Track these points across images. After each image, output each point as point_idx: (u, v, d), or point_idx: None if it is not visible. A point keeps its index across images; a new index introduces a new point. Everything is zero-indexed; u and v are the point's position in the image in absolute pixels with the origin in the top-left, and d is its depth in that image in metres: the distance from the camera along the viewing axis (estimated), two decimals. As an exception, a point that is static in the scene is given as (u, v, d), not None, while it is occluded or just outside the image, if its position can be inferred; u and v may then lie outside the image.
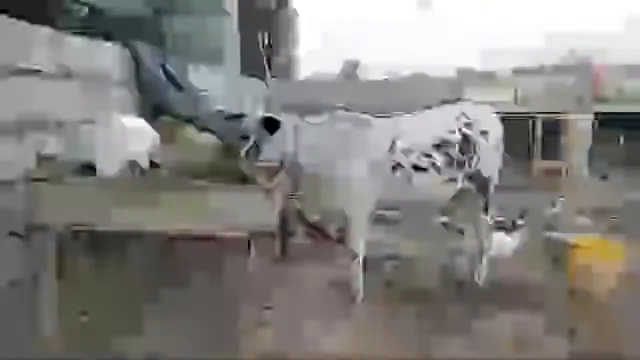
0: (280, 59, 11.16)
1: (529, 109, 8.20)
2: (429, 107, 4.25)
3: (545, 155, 8.47)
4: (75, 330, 2.94)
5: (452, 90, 9.86)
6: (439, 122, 3.97)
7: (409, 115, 4.11)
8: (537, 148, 8.36)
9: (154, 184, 2.91)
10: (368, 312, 3.77)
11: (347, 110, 4.13)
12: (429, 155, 3.83)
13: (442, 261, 4.77)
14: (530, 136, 8.24)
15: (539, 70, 10.88)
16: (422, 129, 3.92)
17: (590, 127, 8.79)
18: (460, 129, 3.94)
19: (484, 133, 4.03)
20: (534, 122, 8.13)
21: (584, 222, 6.28)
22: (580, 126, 8.72)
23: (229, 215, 2.74)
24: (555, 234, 5.51)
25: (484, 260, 4.29)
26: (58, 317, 2.89)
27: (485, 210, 4.23)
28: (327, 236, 4.59)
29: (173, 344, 3.00)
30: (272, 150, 3.73)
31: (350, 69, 24.63)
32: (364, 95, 9.96)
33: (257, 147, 3.69)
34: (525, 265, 4.77)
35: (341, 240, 4.42)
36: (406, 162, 3.80)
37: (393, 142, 3.82)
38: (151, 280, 3.41)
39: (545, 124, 8.43)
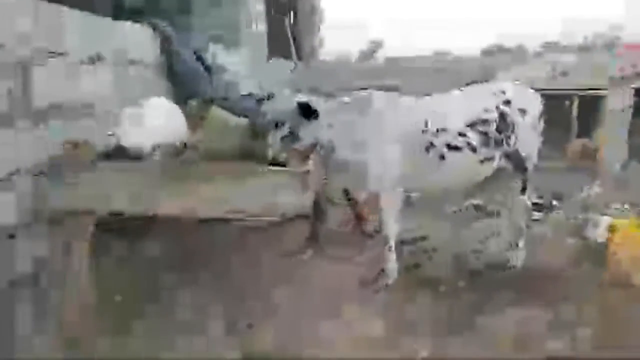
0: (305, 40, 11.01)
1: (564, 86, 7.88)
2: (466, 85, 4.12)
3: (581, 134, 8.17)
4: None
5: (483, 68, 9.58)
6: (475, 101, 3.84)
7: (444, 94, 3.98)
8: (574, 126, 8.05)
9: (185, 169, 2.86)
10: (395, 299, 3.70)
11: (378, 90, 4.03)
12: (463, 135, 3.71)
13: (472, 246, 4.65)
14: (567, 114, 7.96)
15: (573, 48, 10.47)
16: (458, 107, 3.79)
17: (629, 105, 8.43)
18: (497, 107, 3.80)
19: (522, 111, 3.88)
20: (570, 100, 7.82)
21: (617, 205, 6.03)
22: (616, 104, 8.37)
23: (262, 199, 2.68)
24: (594, 216, 5.34)
25: (521, 244, 4.17)
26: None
27: (523, 190, 4.10)
28: (363, 218, 4.50)
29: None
30: (309, 137, 3.64)
31: (372, 50, 24.21)
32: (393, 76, 9.77)
33: (292, 135, 3.59)
34: (562, 248, 4.65)
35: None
36: (439, 141, 3.68)
37: (426, 122, 3.71)
38: (183, 265, 3.40)
39: (581, 101, 8.11)
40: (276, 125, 3.59)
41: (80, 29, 3.42)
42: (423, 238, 4.82)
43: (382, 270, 3.90)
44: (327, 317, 3.30)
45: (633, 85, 8.29)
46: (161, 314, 3.03)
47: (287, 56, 9.03)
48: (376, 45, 25.96)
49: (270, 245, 3.24)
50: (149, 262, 3.28)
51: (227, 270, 3.53)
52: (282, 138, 3.56)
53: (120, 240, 3.12)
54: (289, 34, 9.18)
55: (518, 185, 4.09)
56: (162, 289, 3.19)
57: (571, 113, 7.93)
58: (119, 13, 4.33)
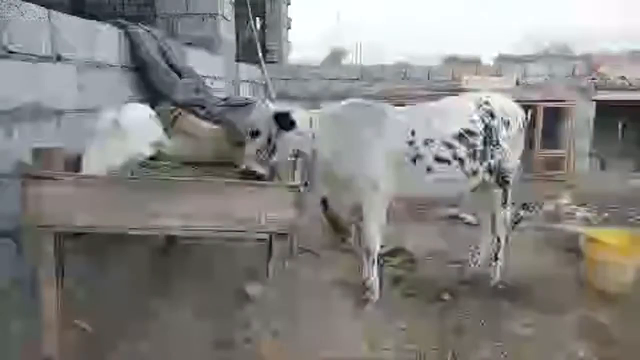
0: (273, 45, 10.82)
1: (529, 97, 8.00)
2: (446, 96, 4.05)
3: (545, 144, 8.32)
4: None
5: (446, 76, 9.66)
6: (460, 112, 3.76)
7: (428, 104, 3.90)
8: (538, 137, 8.19)
9: (156, 182, 2.61)
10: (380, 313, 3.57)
11: (362, 99, 3.90)
12: (451, 146, 3.62)
13: (456, 256, 4.60)
14: (531, 125, 8.12)
15: (535, 58, 10.70)
16: (444, 118, 3.70)
17: (592, 115, 8.66)
18: (482, 119, 3.74)
19: (505, 123, 3.82)
20: (535, 110, 7.94)
21: (585, 213, 6.15)
22: (582, 114, 8.59)
23: (249, 214, 2.48)
24: (566, 226, 5.40)
25: (501, 255, 4.12)
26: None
27: (504, 203, 4.05)
28: (346, 230, 4.34)
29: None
30: (286, 148, 3.45)
31: (336, 57, 24.33)
32: (360, 82, 9.71)
33: (269, 145, 3.38)
34: (537, 259, 4.65)
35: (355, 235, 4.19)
36: (427, 152, 3.58)
37: (412, 132, 3.59)
38: (153, 288, 3.12)
39: (545, 111, 8.26)
40: (252, 135, 3.38)
41: (38, 25, 3.11)
42: (400, 250, 4.72)
43: (364, 285, 3.76)
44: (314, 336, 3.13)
45: (595, 97, 8.54)
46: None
47: (255, 61, 8.82)
48: (339, 54, 26.08)
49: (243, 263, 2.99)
50: (118, 284, 2.99)
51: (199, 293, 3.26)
52: (258, 150, 3.35)
53: (87, 261, 2.83)
54: (256, 40, 8.96)
55: (499, 197, 4.03)
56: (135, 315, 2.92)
57: (535, 124, 8.04)
58: (80, 10, 4.03)
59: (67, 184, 2.39)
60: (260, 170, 3.26)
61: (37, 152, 2.56)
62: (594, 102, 8.58)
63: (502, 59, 11.06)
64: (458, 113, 3.73)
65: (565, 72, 9.43)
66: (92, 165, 2.70)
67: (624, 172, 8.55)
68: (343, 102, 3.74)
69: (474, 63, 12.56)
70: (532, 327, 3.47)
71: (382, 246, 3.80)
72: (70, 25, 3.37)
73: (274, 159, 3.40)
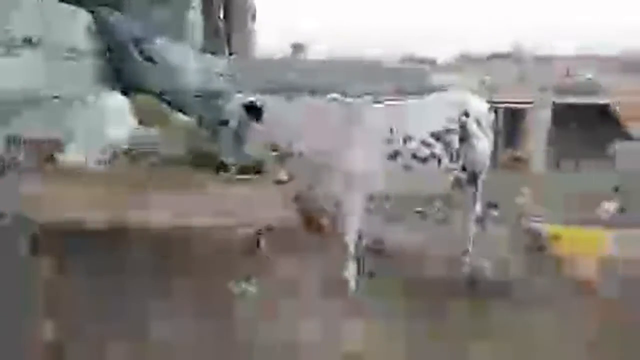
0: (238, 35, 10.65)
1: (491, 98, 8.21)
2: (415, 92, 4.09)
3: (506, 144, 8.58)
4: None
5: (411, 77, 9.78)
6: (437, 110, 3.81)
7: (406, 102, 3.93)
8: (500, 137, 8.42)
9: (144, 177, 2.51)
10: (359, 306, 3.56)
11: (340, 95, 3.89)
12: (429, 145, 3.66)
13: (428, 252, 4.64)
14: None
15: (497, 58, 10.99)
16: (421, 116, 3.74)
17: (549, 116, 8.99)
18: (459, 118, 3.80)
19: (478, 122, 3.90)
20: (496, 111, 8.15)
21: (542, 211, 6.36)
22: (540, 115, 8.90)
23: (238, 209, 2.42)
24: (533, 224, 5.56)
25: (471, 250, 4.20)
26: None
27: (475, 201, 4.14)
28: (321, 226, 4.31)
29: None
30: (256, 137, 3.43)
31: (297, 51, 24.23)
32: (331, 76, 9.70)
33: (237, 135, 3.36)
34: (505, 255, 4.76)
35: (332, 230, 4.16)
36: (405, 151, 3.61)
37: (391, 130, 3.61)
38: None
39: (505, 112, 8.51)
40: (222, 123, 3.36)
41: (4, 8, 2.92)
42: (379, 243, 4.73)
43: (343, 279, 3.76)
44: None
45: (553, 99, 8.87)
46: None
47: (220, 52, 8.66)
48: (299, 48, 25.99)
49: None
50: (111, 277, 2.84)
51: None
52: (230, 139, 3.33)
53: (77, 255, 2.67)
54: (222, 30, 8.81)
55: (470, 195, 4.10)
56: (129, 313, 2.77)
57: (497, 124, 8.25)
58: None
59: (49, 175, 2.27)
60: (235, 161, 3.25)
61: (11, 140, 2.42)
62: (552, 104, 8.91)
63: (464, 59, 11.28)
64: (436, 111, 3.78)
65: (526, 72, 9.73)
66: (75, 154, 2.57)
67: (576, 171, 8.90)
68: (321, 97, 3.73)
69: (430, 63, 12.66)
70: (501, 322, 3.52)
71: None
72: (40, 8, 3.19)
73: (246, 150, 3.37)
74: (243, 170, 3.14)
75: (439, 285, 4.00)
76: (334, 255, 4.02)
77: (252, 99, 3.45)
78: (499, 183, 7.52)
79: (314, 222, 4.78)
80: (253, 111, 3.35)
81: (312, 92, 3.95)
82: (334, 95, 3.76)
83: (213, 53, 7.88)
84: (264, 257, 2.58)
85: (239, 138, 3.35)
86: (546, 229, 4.91)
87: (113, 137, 2.61)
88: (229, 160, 3.27)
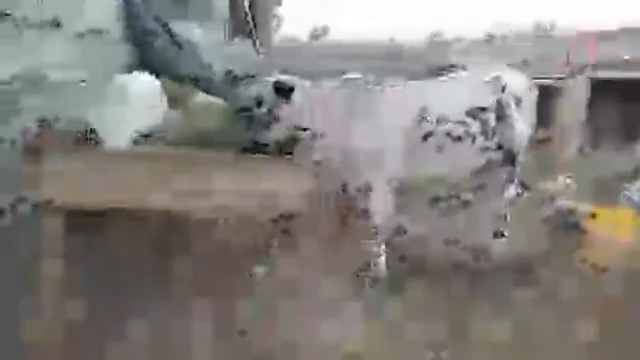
0: (263, 20, 10.56)
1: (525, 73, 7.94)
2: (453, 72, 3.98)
3: (537, 123, 8.31)
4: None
5: (441, 56, 9.56)
6: (472, 87, 3.70)
7: (438, 80, 3.82)
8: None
9: (165, 157, 2.49)
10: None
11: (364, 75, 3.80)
12: (464, 123, 3.55)
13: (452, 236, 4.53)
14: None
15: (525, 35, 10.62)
16: (456, 94, 3.64)
17: (585, 94, 8.67)
18: (495, 94, 3.67)
19: (517, 99, 3.77)
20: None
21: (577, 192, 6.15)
22: (574, 93, 8.60)
23: (255, 193, 2.37)
24: (563, 203, 5.40)
25: (506, 233, 4.11)
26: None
27: (511, 181, 4.02)
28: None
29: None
30: (288, 120, 3.40)
31: (318, 34, 23.93)
32: (356, 58, 9.56)
33: (270, 116, 3.35)
34: (537, 236, 4.64)
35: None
36: (439, 130, 3.51)
37: (423, 109, 3.52)
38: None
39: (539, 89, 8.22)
40: (258, 105, 3.34)
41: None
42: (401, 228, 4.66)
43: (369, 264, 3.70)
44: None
45: (588, 75, 8.54)
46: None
47: (247, 36, 8.58)
48: (324, 30, 25.66)
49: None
50: (123, 264, 2.86)
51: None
52: (260, 120, 3.32)
53: (92, 237, 2.69)
54: (248, 13, 8.71)
55: (505, 174, 3.99)
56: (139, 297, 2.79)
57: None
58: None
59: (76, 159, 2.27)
60: (266, 141, 3.24)
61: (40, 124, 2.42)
62: (588, 80, 8.59)
63: (491, 37, 10.95)
64: (470, 89, 3.67)
65: (557, 49, 9.39)
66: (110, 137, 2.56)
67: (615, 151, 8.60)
68: (344, 76, 3.66)
69: (459, 41, 12.40)
70: (533, 305, 3.44)
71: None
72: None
73: (281, 130, 3.36)
74: (273, 150, 3.10)
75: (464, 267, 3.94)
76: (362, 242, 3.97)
77: (282, 78, 3.42)
78: (531, 164, 7.38)
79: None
80: (283, 91, 3.36)
81: (336, 75, 3.86)
82: (355, 75, 3.67)
83: (240, 37, 7.80)
84: (289, 242, 2.54)
85: (270, 119, 3.35)
86: (582, 208, 4.77)
87: (146, 118, 2.62)
88: (262, 140, 3.25)
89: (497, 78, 3.76)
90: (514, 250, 4.15)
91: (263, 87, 3.46)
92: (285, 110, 3.40)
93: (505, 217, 4.11)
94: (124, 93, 2.59)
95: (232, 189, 2.38)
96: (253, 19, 9.57)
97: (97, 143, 2.47)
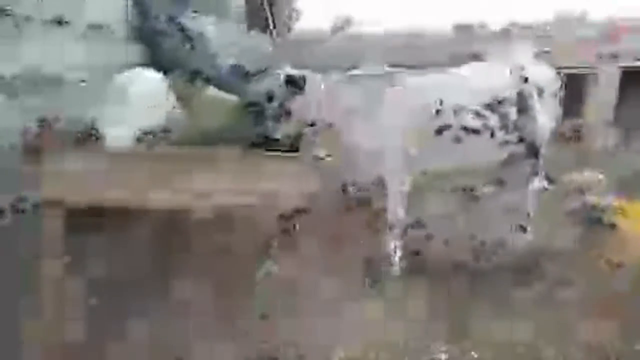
0: (281, 13, 10.46)
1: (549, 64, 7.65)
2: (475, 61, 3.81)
3: (566, 113, 7.99)
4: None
5: (461, 45, 9.29)
6: (491, 78, 3.53)
7: (456, 70, 3.65)
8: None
9: (168, 156, 2.42)
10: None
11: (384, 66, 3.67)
12: (482, 116, 3.39)
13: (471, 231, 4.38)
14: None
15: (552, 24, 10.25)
16: (474, 85, 3.47)
17: (617, 83, 8.31)
18: (515, 85, 3.50)
19: (540, 90, 3.58)
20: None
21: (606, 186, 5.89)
22: (604, 82, 8.25)
23: (260, 190, 2.29)
24: (590, 198, 5.18)
25: (530, 228, 3.94)
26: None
27: (535, 174, 3.84)
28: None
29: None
30: (300, 113, 3.32)
31: (340, 27, 23.71)
32: (383, 53, 9.39)
33: (282, 109, 3.27)
34: (563, 231, 4.46)
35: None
36: (455, 122, 3.36)
37: (440, 101, 3.37)
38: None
39: (567, 80, 7.91)
40: (269, 99, 3.26)
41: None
42: (419, 222, 4.53)
43: (386, 258, 3.59)
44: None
45: (620, 64, 8.18)
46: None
47: (263, 29, 8.49)
48: (344, 22, 25.43)
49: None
50: (126, 261, 2.82)
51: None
52: (273, 114, 3.23)
53: (94, 236, 2.64)
54: (266, 6, 8.62)
55: (529, 168, 3.82)
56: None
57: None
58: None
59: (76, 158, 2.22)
60: (278, 135, 3.16)
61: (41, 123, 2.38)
62: (620, 69, 8.23)
63: (516, 26, 10.61)
64: (489, 80, 3.50)
65: (586, 37, 9.03)
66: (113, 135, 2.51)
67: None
68: (357, 70, 3.55)
69: (485, 30, 12.09)
70: (557, 301, 3.30)
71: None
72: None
73: (290, 125, 3.27)
74: (282, 146, 3.02)
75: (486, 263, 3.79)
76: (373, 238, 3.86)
77: (293, 72, 3.36)
78: (557, 154, 7.10)
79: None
80: (294, 83, 3.29)
81: (354, 67, 3.75)
82: (372, 67, 3.55)
83: (255, 30, 7.72)
84: (297, 239, 2.45)
85: (282, 112, 3.27)
86: (610, 202, 4.56)
87: (148, 117, 2.55)
88: (273, 135, 3.18)
89: (519, 68, 3.58)
90: (533, 245, 3.98)
91: (274, 81, 3.37)
92: (296, 103, 3.31)
93: (529, 213, 3.92)
94: (124, 93, 2.52)
95: (233, 189, 2.29)
96: (271, 11, 9.49)
97: (97, 141, 2.42)
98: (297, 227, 2.45)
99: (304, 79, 3.34)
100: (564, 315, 3.08)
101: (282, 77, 3.33)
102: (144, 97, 2.61)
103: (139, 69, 2.83)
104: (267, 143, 3.13)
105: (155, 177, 2.29)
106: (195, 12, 5.25)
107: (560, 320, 3.03)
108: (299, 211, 2.29)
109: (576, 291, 3.36)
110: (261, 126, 3.22)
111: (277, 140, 3.17)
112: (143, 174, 2.28)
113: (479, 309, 3.16)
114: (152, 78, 2.84)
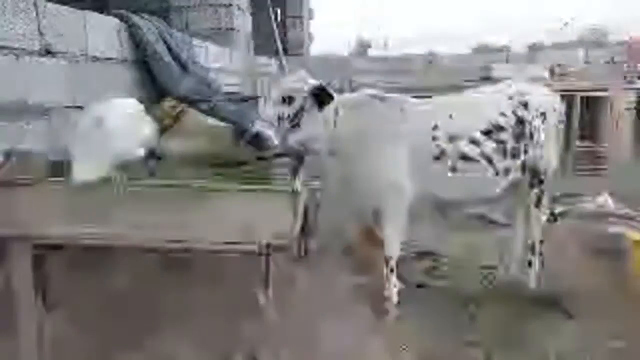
0: (293, 36, 10.52)
1: (566, 86, 7.46)
2: (474, 86, 3.68)
3: (584, 137, 7.76)
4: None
5: (477, 67, 9.17)
6: (489, 104, 3.38)
7: (453, 95, 3.53)
8: (575, 129, 7.64)
9: (138, 189, 2.33)
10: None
11: (378, 90, 3.54)
12: (478, 143, 3.25)
13: (481, 262, 4.20)
14: (568, 116, 7.56)
15: (571, 45, 10.08)
16: (470, 111, 3.34)
17: (635, 105, 8.06)
18: (514, 111, 3.35)
19: (541, 115, 3.42)
20: (572, 100, 7.40)
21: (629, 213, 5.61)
22: (624, 104, 8.01)
23: (243, 224, 2.18)
24: (607, 227, 4.94)
25: (536, 259, 3.74)
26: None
27: (538, 203, 3.66)
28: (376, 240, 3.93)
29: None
30: (305, 131, 3.16)
31: (362, 48, 23.85)
32: (387, 75, 9.33)
33: (293, 121, 3.11)
34: (576, 263, 4.23)
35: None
36: (452, 150, 3.22)
37: (436, 127, 3.24)
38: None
39: (583, 101, 7.69)
40: (286, 101, 3.09)
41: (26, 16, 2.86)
42: (429, 254, 4.39)
43: (384, 297, 3.43)
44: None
45: (634, 86, 7.94)
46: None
47: (271, 53, 8.52)
48: (365, 44, 25.59)
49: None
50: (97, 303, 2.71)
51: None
52: (283, 117, 3.07)
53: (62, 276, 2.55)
54: (276, 31, 8.65)
55: (532, 196, 3.63)
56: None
57: (572, 115, 7.49)
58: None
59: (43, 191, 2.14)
60: (272, 136, 3.00)
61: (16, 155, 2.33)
62: (635, 92, 7.99)
63: (536, 47, 10.47)
64: (487, 105, 3.36)
65: (605, 59, 8.83)
66: (80, 169, 2.45)
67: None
68: (355, 94, 3.43)
69: (504, 52, 12.08)
70: (572, 339, 3.10)
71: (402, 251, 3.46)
72: (61, 16, 3.13)
73: (296, 135, 3.12)
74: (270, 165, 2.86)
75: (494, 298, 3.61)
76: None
77: (320, 85, 3.15)
78: (574, 180, 6.87)
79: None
80: (323, 96, 3.11)
81: (359, 89, 3.63)
82: (369, 91, 3.43)
83: (268, 55, 7.72)
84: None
85: (296, 121, 3.11)
86: (628, 233, 4.31)
87: (121, 148, 2.46)
88: (268, 135, 3.02)
89: (519, 93, 3.43)
90: (548, 283, 3.77)
91: (300, 83, 3.15)
92: (309, 119, 3.13)
93: (533, 245, 3.72)
94: (99, 123, 2.46)
95: (208, 220, 2.18)
96: (281, 36, 9.55)
97: (65, 174, 2.36)
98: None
99: (331, 95, 3.15)
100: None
101: (310, 84, 3.14)
102: (117, 128, 2.54)
103: (115, 100, 2.76)
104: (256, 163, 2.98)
105: (123, 211, 2.20)
106: (203, 37, 5.26)
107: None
108: (271, 249, 2.15)
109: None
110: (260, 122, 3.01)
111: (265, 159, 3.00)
112: (110, 208, 2.20)
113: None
114: (128, 107, 2.77)
